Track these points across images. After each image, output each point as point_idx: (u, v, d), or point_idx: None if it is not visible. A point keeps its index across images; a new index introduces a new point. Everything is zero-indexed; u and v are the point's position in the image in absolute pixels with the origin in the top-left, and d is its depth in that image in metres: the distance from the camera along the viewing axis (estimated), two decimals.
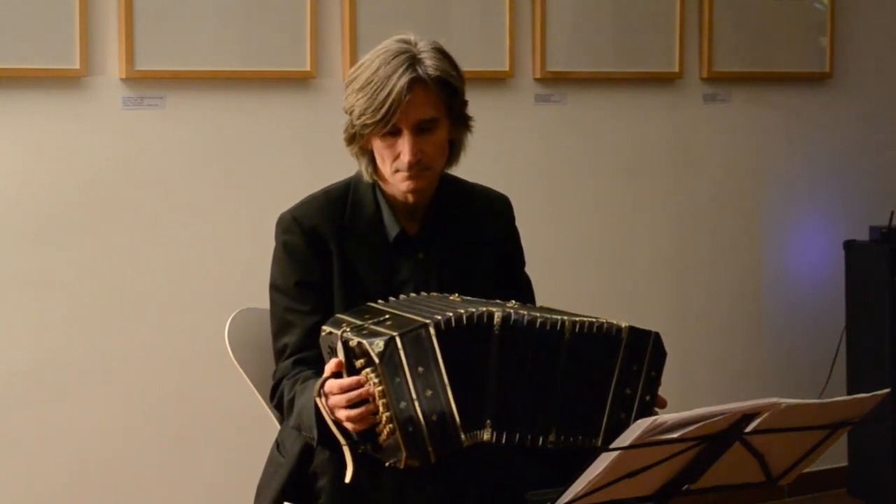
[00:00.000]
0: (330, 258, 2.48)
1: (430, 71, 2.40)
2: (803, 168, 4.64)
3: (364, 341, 2.19)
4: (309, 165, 3.77)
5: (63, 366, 3.53)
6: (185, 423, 3.68)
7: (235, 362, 2.70)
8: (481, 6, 4.00)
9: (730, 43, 4.41)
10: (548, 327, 2.29)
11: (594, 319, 2.32)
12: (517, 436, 2.26)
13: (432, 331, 2.19)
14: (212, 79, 3.66)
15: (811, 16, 4.56)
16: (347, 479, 2.28)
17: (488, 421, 2.24)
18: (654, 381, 2.35)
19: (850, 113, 4.70)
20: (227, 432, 3.69)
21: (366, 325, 2.24)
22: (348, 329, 2.24)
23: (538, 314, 2.29)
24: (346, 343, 2.23)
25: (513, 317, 2.27)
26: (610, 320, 2.34)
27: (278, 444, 2.55)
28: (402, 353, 2.17)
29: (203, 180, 3.68)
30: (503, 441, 2.25)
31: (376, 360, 2.17)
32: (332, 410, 2.25)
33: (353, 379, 2.22)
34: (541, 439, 2.28)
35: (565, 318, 2.31)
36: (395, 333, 2.18)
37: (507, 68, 4.04)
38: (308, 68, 3.75)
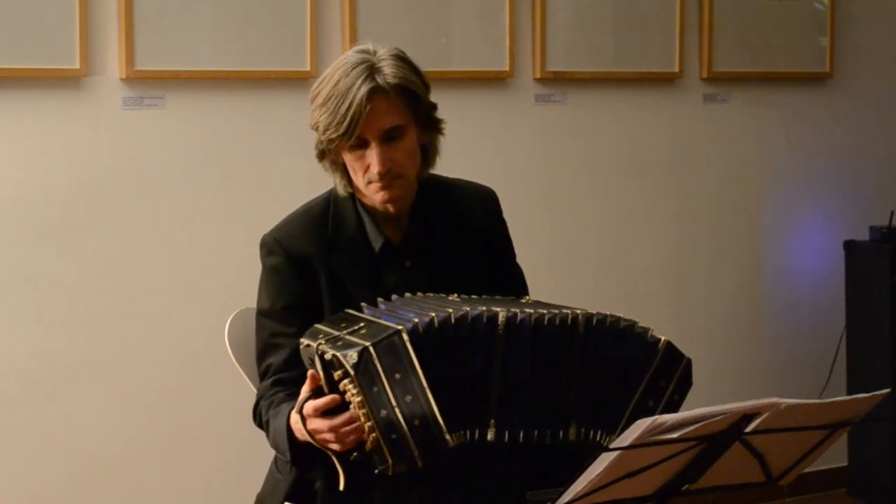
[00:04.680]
0: (316, 277, 2.47)
1: (390, 79, 2.38)
2: (803, 168, 4.64)
3: (338, 353, 2.18)
4: (308, 165, 3.72)
5: (63, 365, 3.53)
6: (185, 423, 3.68)
7: (235, 362, 2.70)
8: (481, 6, 4.00)
9: (730, 43, 4.41)
10: (557, 322, 2.29)
11: (620, 317, 2.34)
12: (535, 432, 2.27)
13: (405, 336, 2.19)
14: (212, 79, 3.66)
15: (811, 16, 4.57)
16: (341, 488, 2.28)
17: (492, 420, 2.25)
18: (676, 405, 2.35)
19: (850, 113, 4.70)
20: (227, 432, 3.69)
21: (341, 336, 2.23)
22: (324, 341, 2.24)
23: (546, 311, 2.29)
24: (322, 356, 2.23)
25: (519, 316, 2.27)
26: (644, 326, 2.36)
27: (276, 460, 2.55)
28: (376, 362, 2.17)
29: (203, 180, 3.68)
30: (519, 439, 2.25)
31: (351, 372, 2.17)
32: (314, 432, 2.25)
33: (329, 398, 2.22)
34: (561, 433, 2.28)
35: (579, 312, 2.31)
36: (368, 343, 2.17)
37: (507, 68, 4.04)
38: (308, 68, 3.75)
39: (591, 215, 4.27)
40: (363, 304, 2.38)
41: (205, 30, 3.63)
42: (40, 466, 3.53)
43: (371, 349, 2.17)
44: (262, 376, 2.51)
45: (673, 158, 4.40)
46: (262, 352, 2.51)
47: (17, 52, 3.42)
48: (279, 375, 2.46)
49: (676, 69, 4.33)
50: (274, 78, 3.73)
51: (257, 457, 2.66)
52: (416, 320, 2.22)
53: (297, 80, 3.76)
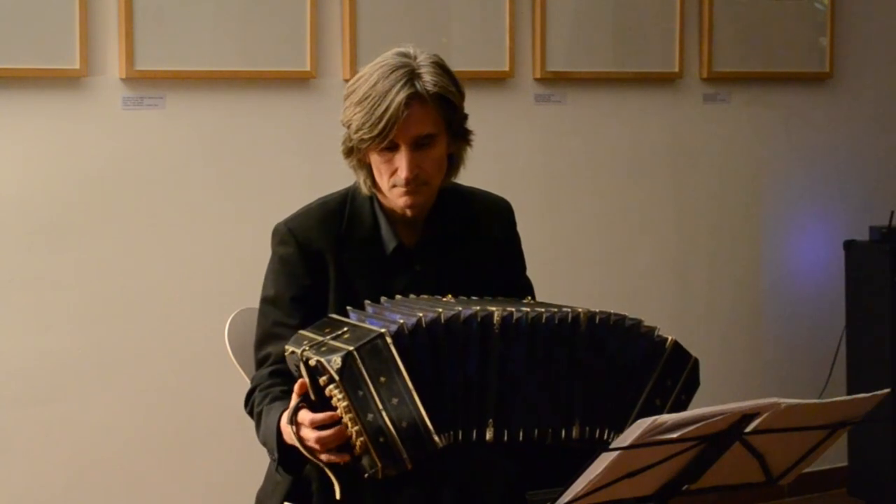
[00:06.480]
0: (326, 271, 2.47)
1: (429, 87, 2.38)
2: (803, 168, 4.64)
3: (322, 359, 2.18)
4: (308, 165, 3.77)
5: (63, 366, 3.53)
6: (185, 423, 3.68)
7: (235, 362, 2.70)
8: (481, 6, 4.00)
9: (730, 43, 4.41)
10: (556, 321, 2.29)
11: (625, 315, 2.34)
12: (536, 432, 2.26)
13: (389, 339, 2.18)
14: (212, 79, 3.66)
15: (811, 16, 4.57)
16: (338, 496, 2.28)
17: (490, 420, 2.24)
18: (683, 405, 2.36)
19: (850, 113, 4.70)
20: (227, 432, 3.69)
21: (325, 342, 2.22)
22: (308, 347, 2.23)
23: (544, 310, 2.29)
24: (306, 362, 2.22)
25: (515, 315, 2.26)
26: (650, 326, 2.36)
27: None
28: (360, 365, 2.16)
29: (203, 180, 3.68)
30: (519, 439, 2.25)
31: (336, 377, 2.16)
32: (302, 440, 2.25)
33: (328, 415, 2.21)
34: (563, 433, 2.28)
35: (581, 311, 2.31)
36: (351, 347, 2.17)
37: (507, 68, 4.04)
38: (308, 68, 3.75)
39: (592, 215, 4.27)
40: (349, 308, 2.37)
41: (205, 30, 3.63)
42: (41, 466, 3.53)
43: (355, 353, 2.16)
44: (260, 364, 2.51)
45: (673, 158, 4.40)
46: (263, 340, 2.51)
47: (17, 52, 3.42)
48: (277, 366, 2.45)
49: (676, 69, 4.33)
50: (274, 78, 3.73)
51: (257, 457, 2.65)
52: (402, 321, 2.22)
53: (297, 80, 3.76)
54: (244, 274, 3.50)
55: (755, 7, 4.46)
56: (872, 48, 4.72)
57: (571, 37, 4.15)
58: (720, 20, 4.38)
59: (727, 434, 2.07)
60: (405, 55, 2.41)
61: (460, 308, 2.26)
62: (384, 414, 2.16)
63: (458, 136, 2.48)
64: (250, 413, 2.50)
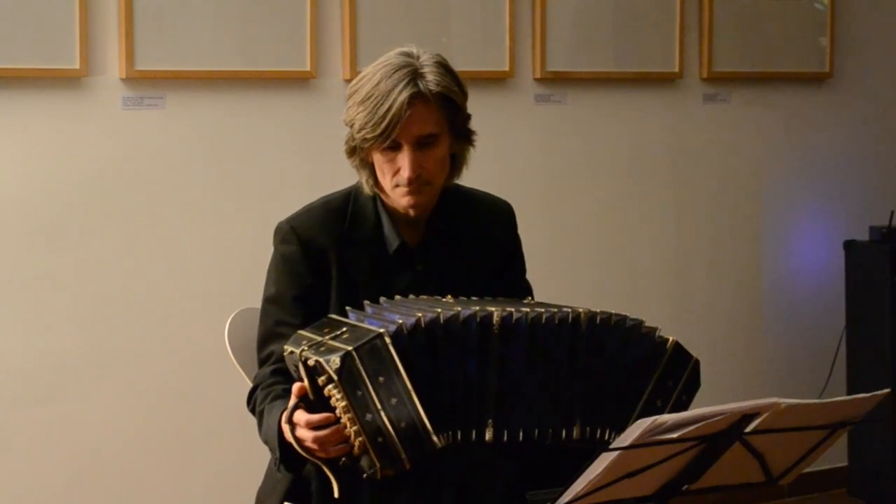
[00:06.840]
0: (328, 270, 2.48)
1: (432, 86, 2.38)
2: (803, 168, 4.64)
3: (321, 359, 2.18)
4: (308, 165, 3.77)
5: (63, 366, 3.53)
6: (185, 423, 3.69)
7: (235, 362, 2.70)
8: (481, 6, 4.00)
9: (730, 43, 4.41)
10: (556, 321, 2.29)
11: (626, 316, 2.34)
12: (536, 432, 2.26)
13: (387, 339, 2.18)
14: (212, 79, 3.66)
15: (811, 16, 4.57)
16: (336, 495, 2.28)
17: (490, 420, 2.24)
18: (684, 405, 2.36)
19: (850, 113, 4.70)
20: (227, 432, 3.69)
21: (324, 342, 2.22)
22: (307, 347, 2.23)
23: (544, 310, 2.29)
24: (305, 362, 2.22)
25: (514, 315, 2.26)
26: (651, 326, 2.37)
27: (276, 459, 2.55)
28: (359, 366, 2.16)
29: (203, 180, 3.68)
30: (519, 439, 2.25)
31: (335, 377, 2.16)
32: (300, 440, 2.25)
33: (323, 416, 2.21)
34: (564, 433, 2.28)
35: (581, 311, 2.31)
36: (350, 347, 2.16)
37: (507, 68, 4.04)
38: (308, 68, 3.75)
39: (591, 215, 4.27)
40: (348, 308, 2.37)
41: (205, 30, 3.63)
42: (41, 466, 3.53)
43: (354, 353, 2.16)
44: (262, 363, 2.51)
45: (673, 158, 4.40)
46: (265, 339, 2.51)
47: (17, 52, 3.42)
48: (280, 365, 2.45)
49: (676, 69, 4.33)
50: (274, 78, 3.73)
51: (257, 456, 2.66)
52: (401, 322, 2.22)
53: (297, 80, 3.76)
54: (244, 274, 3.50)
55: (755, 7, 4.46)
56: (872, 48, 4.72)
57: (571, 37, 4.15)
58: (720, 20, 4.38)
59: (727, 434, 2.07)
60: (408, 55, 2.42)
61: (459, 308, 2.26)
62: (383, 414, 2.16)
63: (461, 136, 2.48)
64: (252, 411, 2.50)
